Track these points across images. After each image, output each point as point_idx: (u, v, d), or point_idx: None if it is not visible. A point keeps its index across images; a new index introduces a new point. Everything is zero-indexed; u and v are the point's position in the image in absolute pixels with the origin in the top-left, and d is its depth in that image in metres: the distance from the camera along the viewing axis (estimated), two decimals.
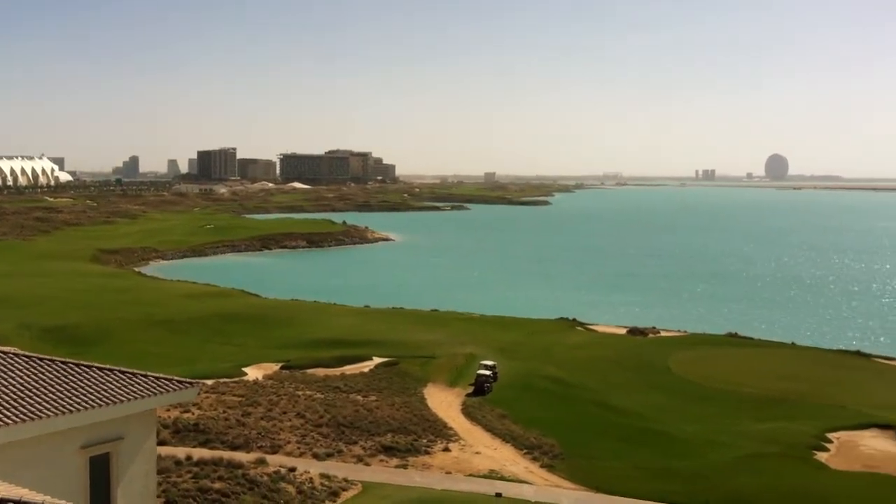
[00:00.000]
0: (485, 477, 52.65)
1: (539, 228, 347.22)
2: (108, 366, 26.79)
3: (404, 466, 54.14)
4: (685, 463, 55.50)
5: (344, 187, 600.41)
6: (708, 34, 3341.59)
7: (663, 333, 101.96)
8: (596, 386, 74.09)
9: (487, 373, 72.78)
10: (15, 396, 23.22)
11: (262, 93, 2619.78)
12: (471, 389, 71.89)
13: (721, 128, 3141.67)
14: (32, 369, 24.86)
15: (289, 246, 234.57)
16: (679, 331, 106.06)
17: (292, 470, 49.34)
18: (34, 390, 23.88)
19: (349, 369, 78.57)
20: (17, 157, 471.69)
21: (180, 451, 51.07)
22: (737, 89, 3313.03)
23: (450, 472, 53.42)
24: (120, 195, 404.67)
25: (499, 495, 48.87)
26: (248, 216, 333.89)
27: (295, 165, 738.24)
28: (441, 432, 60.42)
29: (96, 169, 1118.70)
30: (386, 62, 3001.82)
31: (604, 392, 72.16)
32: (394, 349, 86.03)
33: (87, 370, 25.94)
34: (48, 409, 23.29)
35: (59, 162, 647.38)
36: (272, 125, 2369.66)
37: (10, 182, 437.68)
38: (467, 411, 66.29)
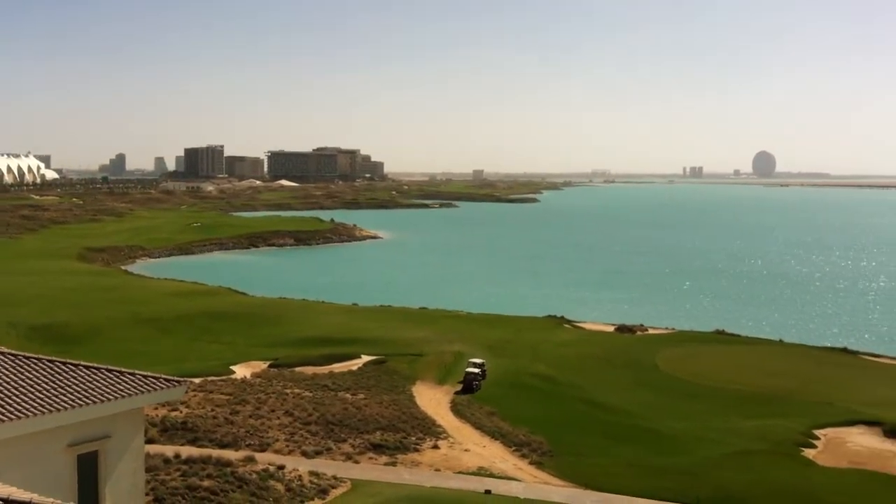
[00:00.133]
0: (474, 474, 52.70)
1: (527, 226, 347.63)
2: (95, 364, 26.71)
3: (393, 464, 54.14)
4: (673, 460, 55.67)
5: (332, 185, 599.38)
6: (696, 32, 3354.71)
7: (651, 331, 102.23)
8: (584, 383, 74.24)
9: (476, 370, 72.83)
10: (2, 395, 23.12)
11: (250, 90, 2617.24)
12: (459, 387, 71.96)
13: (709, 125, 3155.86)
14: (19, 368, 24.77)
15: (276, 244, 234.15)
16: (667, 328, 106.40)
17: (281, 468, 49.26)
18: (21, 389, 23.79)
19: (337, 367, 78.48)
20: (2, 155, 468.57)
21: (168, 450, 50.90)
22: (724, 87, 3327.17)
23: (439, 470, 53.45)
24: (107, 193, 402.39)
25: (488, 492, 48.91)
26: (235, 214, 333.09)
27: (283, 163, 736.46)
28: (430, 430, 60.45)
29: (83, 167, 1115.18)
30: (375, 60, 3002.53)
31: (592, 389, 72.31)
32: (382, 347, 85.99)
33: (75, 369, 25.85)
34: (35, 408, 23.20)
35: (46, 160, 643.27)
36: (260, 123, 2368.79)
37: None
38: (456, 409, 66.35)
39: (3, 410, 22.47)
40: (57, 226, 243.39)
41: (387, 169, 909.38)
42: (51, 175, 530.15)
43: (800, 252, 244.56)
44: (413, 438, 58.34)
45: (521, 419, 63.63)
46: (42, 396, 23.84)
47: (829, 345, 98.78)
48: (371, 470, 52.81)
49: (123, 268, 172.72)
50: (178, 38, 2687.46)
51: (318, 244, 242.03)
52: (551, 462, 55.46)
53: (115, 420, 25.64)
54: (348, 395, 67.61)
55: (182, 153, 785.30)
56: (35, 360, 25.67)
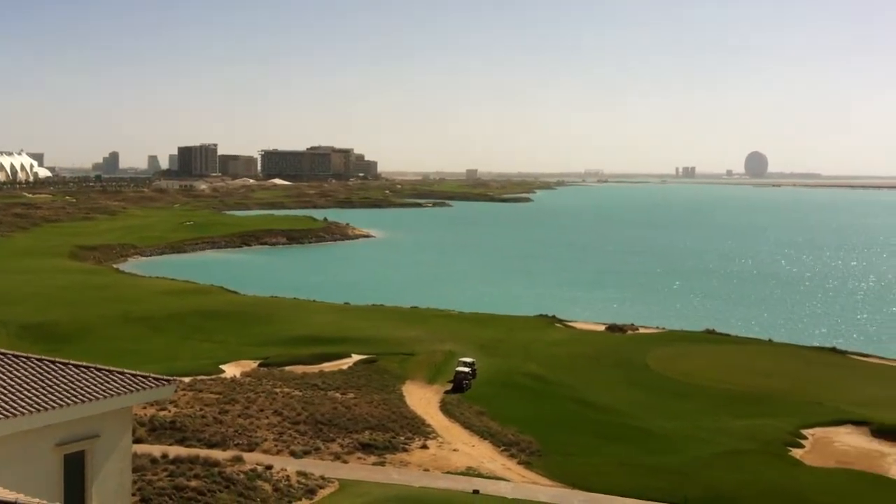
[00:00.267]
0: (462, 474, 52.81)
1: (520, 225, 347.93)
2: (84, 363, 26.76)
3: (382, 464, 54.23)
4: (663, 459, 55.86)
5: (325, 184, 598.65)
6: (689, 32, 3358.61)
7: (642, 330, 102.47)
8: (574, 383, 74.41)
9: (466, 370, 72.93)
10: None
11: (245, 89, 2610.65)
12: (449, 386, 72.02)
13: (701, 125, 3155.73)
14: (8, 367, 24.80)
15: (269, 242, 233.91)
16: (657, 327, 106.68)
17: (269, 468, 49.31)
18: (9, 388, 23.83)
19: (328, 366, 78.50)
20: None
21: (156, 449, 50.90)
22: (717, 87, 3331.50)
23: (427, 470, 53.56)
24: (99, 191, 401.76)
25: (476, 492, 49.01)
26: (228, 212, 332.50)
27: (276, 162, 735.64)
28: (419, 429, 60.55)
29: (76, 165, 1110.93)
30: (369, 59, 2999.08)
31: (582, 389, 72.50)
32: (373, 346, 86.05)
33: (63, 367, 25.91)
34: (23, 407, 23.26)
35: (39, 158, 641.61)
36: (254, 121, 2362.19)
37: None
38: (445, 408, 66.44)
39: None
40: (49, 224, 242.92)
41: (380, 168, 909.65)
42: (44, 173, 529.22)
43: (790, 252, 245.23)
44: (402, 438, 58.44)
45: (510, 419, 63.77)
46: (30, 395, 23.89)
47: (818, 344, 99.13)
48: (359, 470, 52.90)
49: (115, 266, 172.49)
50: (171, 37, 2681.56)
51: (310, 243, 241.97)
52: (540, 462, 55.61)
53: (104, 419, 25.70)
54: (338, 395, 67.68)
55: (175, 152, 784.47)
56: (24, 359, 25.72)
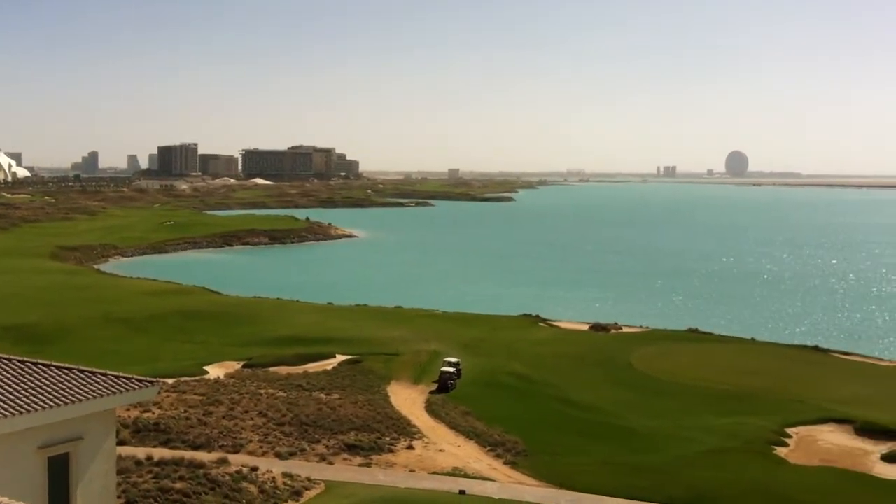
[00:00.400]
0: (448, 474, 52.71)
1: (502, 225, 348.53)
2: (66, 365, 26.51)
3: (368, 465, 54.03)
4: (648, 458, 55.97)
5: (307, 183, 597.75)
6: (669, 32, 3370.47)
7: (625, 329, 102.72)
8: (559, 382, 74.45)
9: (451, 370, 72.82)
10: None
11: (225, 88, 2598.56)
12: (434, 387, 71.91)
13: (682, 125, 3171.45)
14: None
15: (251, 243, 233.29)
16: (640, 326, 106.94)
17: (254, 469, 48.99)
18: None
19: (312, 367, 78.18)
20: None
21: (140, 451, 50.52)
22: (698, 87, 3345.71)
23: (413, 470, 53.43)
24: (79, 191, 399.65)
25: (462, 493, 48.94)
26: (209, 212, 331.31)
27: (257, 161, 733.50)
28: (405, 430, 60.38)
29: (55, 164, 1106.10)
30: (349, 58, 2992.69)
31: (567, 388, 72.54)
32: (357, 347, 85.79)
33: (45, 369, 25.64)
34: (5, 409, 22.97)
35: (17, 157, 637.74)
36: (235, 121, 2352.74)
37: None
38: (431, 409, 66.29)
39: None
40: (29, 224, 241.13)
41: (362, 167, 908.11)
42: (22, 173, 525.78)
43: (771, 251, 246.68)
44: (388, 439, 58.26)
45: (496, 418, 63.71)
46: (12, 398, 23.60)
47: (800, 343, 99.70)
48: (345, 471, 52.68)
49: (96, 267, 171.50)
50: (151, 35, 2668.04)
51: (293, 243, 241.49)
52: (526, 462, 55.57)
53: (87, 421, 25.46)
54: (323, 396, 67.40)
55: (155, 151, 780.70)
56: (5, 361, 25.42)
